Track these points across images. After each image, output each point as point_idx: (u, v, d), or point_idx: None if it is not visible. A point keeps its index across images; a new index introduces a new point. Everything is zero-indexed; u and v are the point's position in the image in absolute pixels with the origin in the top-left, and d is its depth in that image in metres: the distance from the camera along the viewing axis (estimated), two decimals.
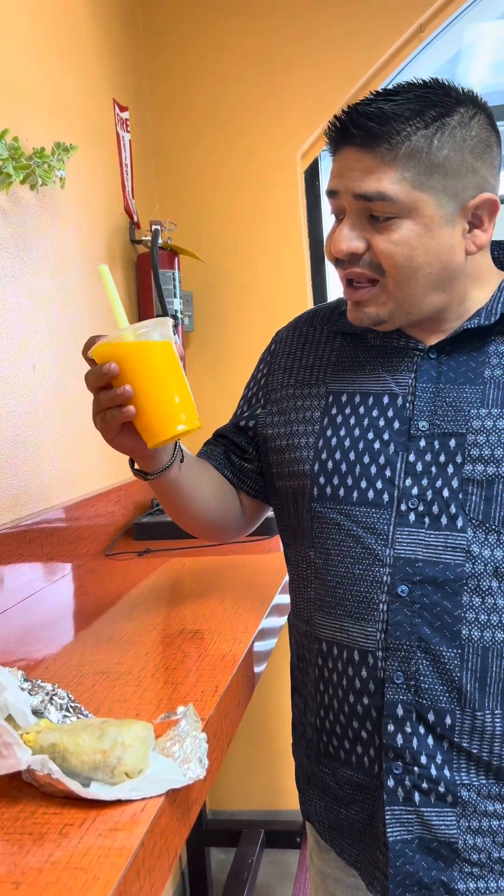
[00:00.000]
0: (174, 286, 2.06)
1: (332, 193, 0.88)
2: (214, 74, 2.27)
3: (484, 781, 0.87)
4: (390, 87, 0.86)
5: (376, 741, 0.89)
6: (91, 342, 0.87)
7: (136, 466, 0.98)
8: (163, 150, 2.32)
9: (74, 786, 0.63)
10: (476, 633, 0.85)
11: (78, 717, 0.75)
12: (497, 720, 0.86)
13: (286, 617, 1.40)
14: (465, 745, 0.87)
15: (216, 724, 0.82)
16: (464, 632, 0.85)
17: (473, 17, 2.36)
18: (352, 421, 0.94)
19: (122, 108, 2.05)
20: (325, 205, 2.33)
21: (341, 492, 0.92)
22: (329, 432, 0.95)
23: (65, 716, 0.74)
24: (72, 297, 1.68)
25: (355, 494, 0.91)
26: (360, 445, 0.92)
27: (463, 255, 0.87)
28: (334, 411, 0.96)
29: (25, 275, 1.46)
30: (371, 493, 0.90)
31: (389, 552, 0.88)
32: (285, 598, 1.27)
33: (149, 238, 2.01)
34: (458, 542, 0.86)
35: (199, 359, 2.35)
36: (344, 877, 1.02)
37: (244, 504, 1.12)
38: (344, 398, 0.96)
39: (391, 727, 0.88)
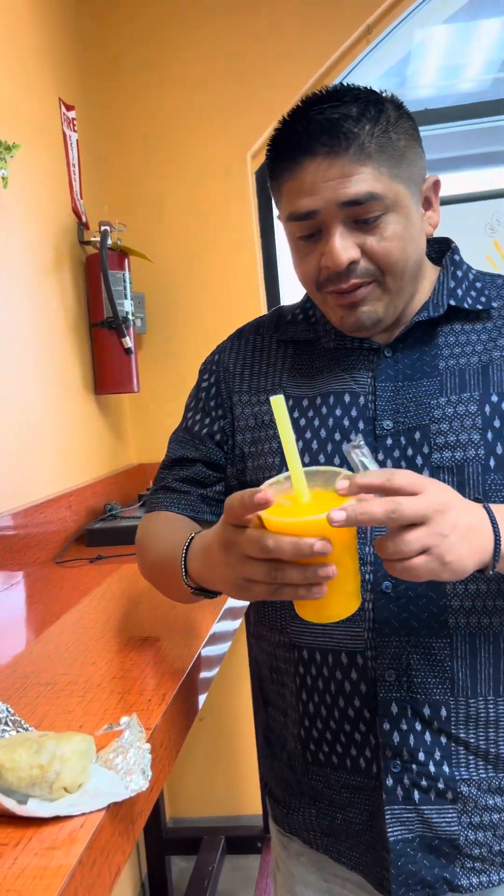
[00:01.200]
0: (125, 287, 2.03)
1: (305, 216, 0.84)
2: (164, 74, 2.25)
3: (483, 774, 0.87)
4: (306, 98, 0.85)
5: (372, 741, 0.88)
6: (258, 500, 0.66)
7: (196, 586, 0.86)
8: (112, 150, 2.29)
9: (10, 804, 0.60)
10: (463, 621, 0.85)
11: (18, 731, 0.72)
12: (490, 706, 0.86)
13: (240, 620, 1.38)
14: (462, 735, 0.86)
15: (163, 733, 0.80)
16: (451, 621, 0.85)
17: (422, 20, 2.38)
18: (316, 423, 0.92)
19: (69, 107, 2.02)
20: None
21: None
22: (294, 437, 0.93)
23: (3, 730, 0.71)
24: (15, 298, 1.64)
25: None
26: (329, 447, 0.90)
27: (424, 240, 0.90)
28: (296, 414, 0.94)
29: None
30: None
31: (369, 549, 0.86)
32: (238, 602, 1.26)
33: (98, 239, 1.98)
34: None
35: (152, 360, 2.32)
36: (316, 881, 1.00)
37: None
38: (305, 402, 0.94)
39: (387, 725, 0.87)
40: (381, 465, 0.87)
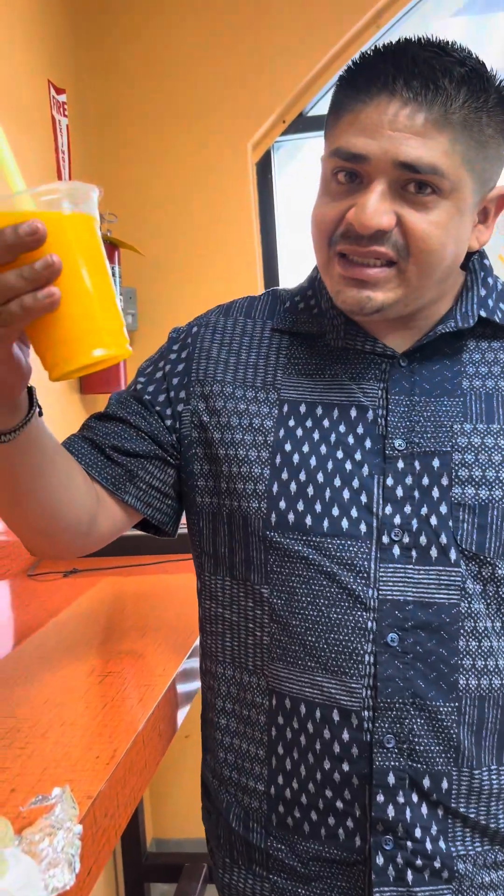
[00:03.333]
0: (114, 281, 1.92)
1: (353, 157, 0.70)
2: (162, 59, 2.14)
3: (480, 849, 0.78)
4: (405, 38, 0.71)
5: (357, 812, 0.76)
6: None
7: None
8: (105, 137, 2.18)
9: None
10: (473, 682, 0.76)
11: None
12: (493, 776, 0.77)
13: None
14: (461, 809, 0.76)
15: (108, 799, 0.69)
16: (461, 681, 0.75)
17: (435, 5, 2.26)
18: (315, 436, 0.80)
19: (59, 91, 1.91)
20: (279, 198, 2.22)
21: (308, 520, 0.77)
22: (288, 447, 0.80)
23: None
24: None
25: (326, 523, 0.77)
26: (329, 465, 0.78)
27: (464, 252, 0.77)
28: (291, 423, 0.81)
29: None
30: (345, 523, 0.77)
31: (373, 593, 0.75)
32: None
33: None
34: (452, 578, 0.75)
35: (143, 358, 2.21)
36: None
37: (110, 512, 0.84)
38: (302, 409, 0.81)
39: (381, 797, 0.75)
40: (390, 491, 0.77)
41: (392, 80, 0.68)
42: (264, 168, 2.21)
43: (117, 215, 1.98)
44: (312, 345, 0.85)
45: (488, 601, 0.76)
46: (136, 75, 2.15)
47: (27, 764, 0.72)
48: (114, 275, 1.93)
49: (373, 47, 0.72)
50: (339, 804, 0.77)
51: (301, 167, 2.27)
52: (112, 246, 1.94)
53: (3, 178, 0.61)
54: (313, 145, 2.22)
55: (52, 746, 0.76)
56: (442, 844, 0.76)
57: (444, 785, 0.76)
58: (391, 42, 0.71)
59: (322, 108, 2.17)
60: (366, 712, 0.75)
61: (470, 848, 0.77)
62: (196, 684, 1.00)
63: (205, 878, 1.93)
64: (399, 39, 0.71)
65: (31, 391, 0.70)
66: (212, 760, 0.89)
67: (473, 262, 0.83)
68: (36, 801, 0.62)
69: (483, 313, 0.80)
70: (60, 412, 1.85)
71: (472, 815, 0.77)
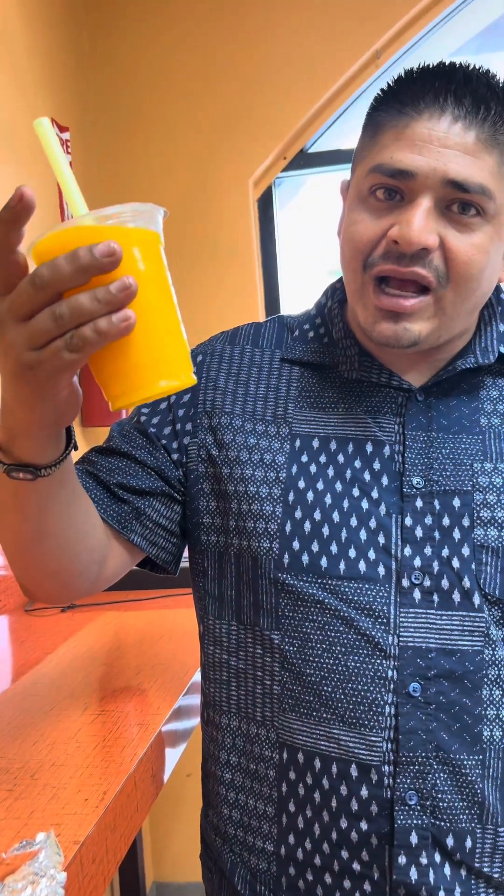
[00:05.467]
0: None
1: (399, 174, 0.67)
2: (164, 97, 2.17)
3: None
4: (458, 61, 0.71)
5: (375, 874, 0.72)
6: (14, 230, 0.53)
7: (12, 459, 0.61)
8: (108, 175, 2.20)
9: None
10: (498, 734, 0.72)
11: None
12: None
13: None
14: (485, 869, 0.72)
15: (97, 844, 0.67)
16: (485, 733, 0.72)
17: (433, 45, 2.30)
18: (329, 472, 0.76)
19: (63, 129, 1.94)
20: (281, 235, 2.23)
21: (323, 561, 0.73)
22: (301, 484, 0.76)
23: None
24: None
25: (342, 565, 0.73)
26: (345, 504, 0.74)
27: (496, 280, 0.75)
28: (304, 458, 0.77)
29: None
30: (363, 565, 0.73)
31: (393, 640, 0.72)
32: None
33: None
34: (476, 624, 0.72)
35: None
36: None
37: (115, 552, 0.81)
38: (315, 443, 0.78)
39: (403, 859, 0.71)
40: (409, 532, 0.74)
41: (444, 95, 0.67)
42: (266, 204, 2.23)
43: None
44: (324, 376, 0.81)
45: None
46: (138, 113, 2.19)
47: (14, 806, 0.70)
48: None
49: (415, 66, 0.70)
50: (357, 866, 0.72)
51: (302, 203, 2.29)
52: None
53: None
54: (315, 181, 2.25)
55: (41, 788, 0.74)
56: None
57: (468, 844, 0.71)
58: (434, 63, 0.70)
59: (323, 144, 2.20)
60: (386, 767, 0.71)
61: None
62: (196, 720, 0.98)
63: None
64: (442, 61, 0.70)
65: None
66: (214, 817, 0.84)
67: (491, 298, 0.81)
68: (20, 846, 0.60)
69: (503, 349, 0.79)
70: None
71: (496, 876, 0.72)
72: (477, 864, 0.72)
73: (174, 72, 2.15)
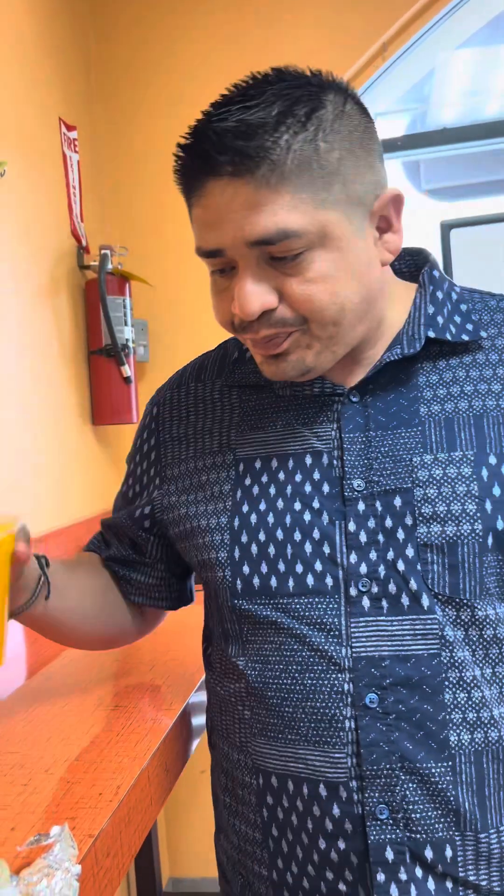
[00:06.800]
0: (125, 314, 1.93)
1: (211, 253, 0.69)
2: (169, 95, 2.17)
3: None
4: (221, 96, 0.68)
5: (360, 894, 0.70)
6: None
7: None
8: (115, 172, 2.21)
9: None
10: (466, 737, 0.69)
11: None
12: (503, 838, 0.70)
13: None
14: (471, 878, 0.69)
15: (111, 838, 0.67)
16: (452, 738, 0.69)
17: (440, 37, 2.29)
18: (271, 491, 0.76)
19: (70, 128, 1.94)
20: None
21: (273, 581, 0.73)
22: (245, 507, 0.76)
23: None
24: (4, 323, 1.55)
25: (291, 583, 0.72)
26: (287, 520, 0.74)
27: (379, 269, 0.73)
28: (248, 482, 0.77)
29: None
30: (311, 579, 0.72)
31: (346, 652, 0.70)
32: None
33: (98, 263, 1.89)
34: (428, 627, 0.69)
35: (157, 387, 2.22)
36: None
37: (143, 610, 0.94)
38: (258, 464, 0.78)
39: (381, 877, 0.69)
40: (353, 537, 0.72)
41: (209, 159, 0.65)
42: None
43: (128, 248, 2.00)
44: (262, 396, 0.81)
45: (473, 647, 0.70)
46: (146, 111, 2.19)
47: (29, 801, 0.71)
48: (125, 307, 1.94)
49: (180, 143, 0.70)
50: (343, 886, 0.71)
51: None
52: (123, 279, 1.96)
53: None
54: None
55: (56, 783, 0.74)
56: None
57: (449, 853, 0.69)
58: (195, 126, 0.68)
59: None
60: (354, 783, 0.69)
61: None
62: (196, 741, 0.99)
63: None
64: (198, 121, 0.68)
65: (42, 564, 0.82)
66: (224, 841, 0.84)
67: (423, 277, 0.78)
68: (34, 840, 0.61)
69: (431, 333, 0.75)
70: (73, 441, 1.85)
71: (483, 883, 0.70)
72: (462, 874, 0.69)
73: (177, 69, 2.15)
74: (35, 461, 1.63)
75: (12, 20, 1.65)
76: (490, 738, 0.69)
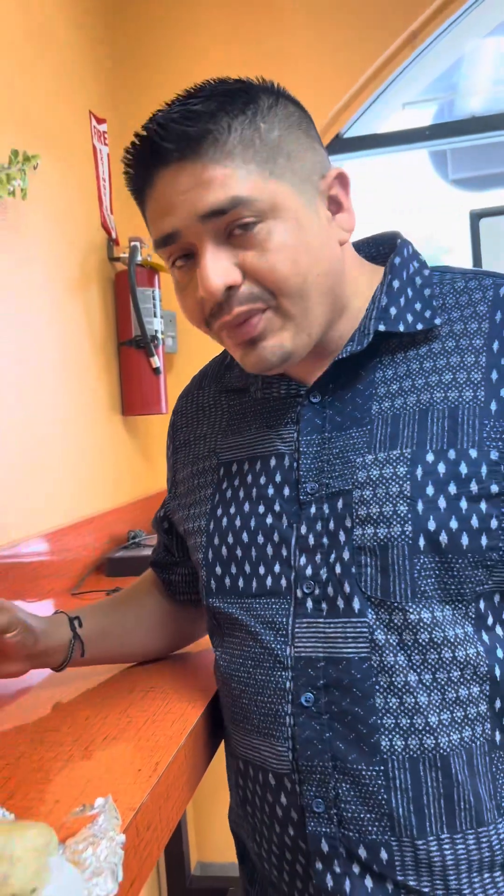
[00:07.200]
0: (154, 305, 1.95)
1: (168, 239, 0.70)
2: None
3: None
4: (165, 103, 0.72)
5: (312, 879, 0.72)
6: None
7: None
8: None
9: None
10: (399, 743, 0.68)
11: None
12: (446, 847, 0.67)
13: None
14: (411, 883, 0.68)
15: (151, 812, 0.69)
16: (384, 743, 0.68)
17: (469, 26, 2.27)
18: (240, 494, 0.78)
19: (100, 121, 1.96)
20: None
21: (240, 581, 0.77)
22: (220, 510, 0.80)
23: None
24: (38, 315, 1.57)
25: (254, 583, 0.76)
26: (252, 522, 0.76)
27: (338, 249, 0.73)
28: (224, 485, 0.81)
29: None
30: (269, 580, 0.74)
31: (290, 651, 0.72)
32: None
33: (127, 255, 1.91)
34: (358, 630, 0.69)
35: (184, 381, 2.23)
36: None
37: (191, 609, 1.01)
38: (234, 467, 0.80)
39: (319, 865, 0.71)
40: (304, 540, 0.73)
41: (155, 151, 0.68)
42: None
43: None
44: (243, 399, 0.83)
45: (409, 652, 0.68)
46: None
47: (71, 776, 0.73)
48: (154, 298, 1.95)
49: (128, 144, 0.72)
50: (298, 868, 0.75)
51: None
52: (152, 270, 1.98)
53: None
54: (351, 166, 2.24)
55: (95, 760, 0.76)
56: None
57: (384, 856, 0.68)
58: (151, 116, 0.71)
59: (359, 128, 2.19)
60: (295, 775, 0.72)
61: None
62: None
63: None
64: (146, 124, 0.71)
65: (74, 626, 0.91)
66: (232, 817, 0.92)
67: (387, 265, 0.77)
68: (79, 810, 0.63)
69: (382, 327, 0.73)
70: (103, 432, 1.87)
71: (426, 890, 0.68)
72: (401, 878, 0.68)
73: (206, 61, 2.16)
74: (66, 450, 1.65)
75: (44, 19, 1.67)
76: (426, 746, 0.67)
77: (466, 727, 0.68)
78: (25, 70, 1.57)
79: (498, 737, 0.70)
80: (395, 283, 0.75)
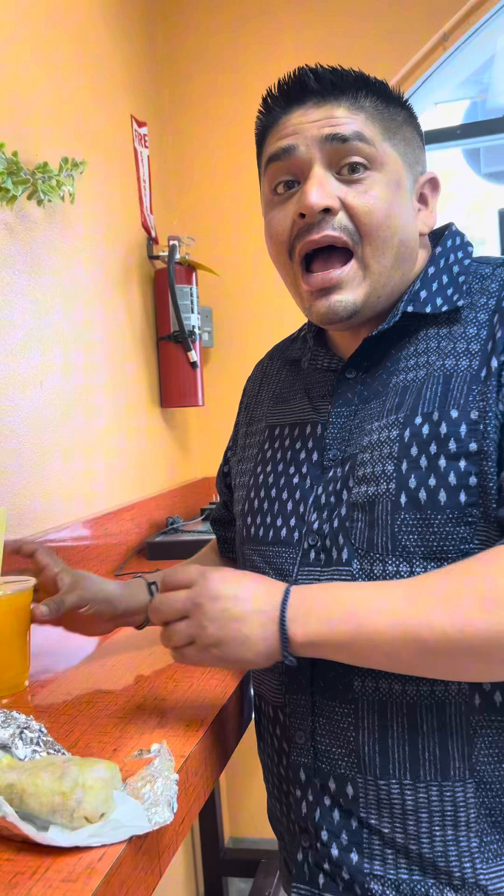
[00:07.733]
0: (192, 301, 2.03)
1: (283, 153, 0.77)
2: (235, 90, 2.25)
3: (406, 876, 0.72)
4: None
5: (293, 808, 0.82)
6: None
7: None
8: (182, 166, 2.30)
9: (30, 830, 0.59)
10: (370, 685, 0.73)
11: (49, 753, 0.71)
12: (408, 792, 0.72)
13: None
14: (373, 821, 0.73)
15: (198, 761, 0.77)
16: (356, 684, 0.74)
17: (499, 25, 2.30)
18: (277, 456, 0.87)
19: (141, 124, 2.04)
20: None
21: (262, 532, 0.86)
22: (259, 468, 0.90)
23: (34, 751, 0.70)
24: (86, 313, 1.66)
25: (271, 533, 0.84)
26: (282, 481, 0.85)
27: (417, 233, 0.82)
28: (266, 446, 0.90)
29: (34, 291, 1.44)
30: (284, 532, 0.83)
31: None
32: None
33: (166, 254, 1.99)
34: (342, 577, 0.75)
35: (220, 375, 2.32)
36: None
37: None
38: (277, 431, 0.90)
39: (298, 793, 0.79)
40: (318, 500, 0.80)
41: (300, 91, 0.77)
42: None
43: (195, 238, 2.09)
44: (296, 370, 0.93)
45: None
46: (212, 106, 2.27)
47: (126, 729, 0.81)
48: (192, 295, 2.03)
49: (275, 82, 0.81)
50: (290, 798, 0.83)
51: None
52: (190, 268, 2.05)
53: None
54: None
55: (147, 715, 0.84)
56: (354, 856, 0.74)
57: (350, 791, 0.74)
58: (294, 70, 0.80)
59: None
60: (287, 707, 0.81)
61: (391, 871, 0.72)
62: None
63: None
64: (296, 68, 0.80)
65: (151, 590, 1.00)
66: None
67: (429, 257, 0.84)
68: (137, 754, 0.71)
69: (410, 308, 0.79)
70: (143, 423, 1.96)
71: (386, 831, 0.73)
72: (363, 814, 0.73)
73: (242, 65, 2.23)
74: (109, 441, 1.74)
75: (84, 28, 1.75)
76: (394, 691, 0.72)
77: (439, 682, 0.71)
78: (71, 78, 1.65)
79: (477, 699, 0.72)
80: (431, 270, 0.82)
